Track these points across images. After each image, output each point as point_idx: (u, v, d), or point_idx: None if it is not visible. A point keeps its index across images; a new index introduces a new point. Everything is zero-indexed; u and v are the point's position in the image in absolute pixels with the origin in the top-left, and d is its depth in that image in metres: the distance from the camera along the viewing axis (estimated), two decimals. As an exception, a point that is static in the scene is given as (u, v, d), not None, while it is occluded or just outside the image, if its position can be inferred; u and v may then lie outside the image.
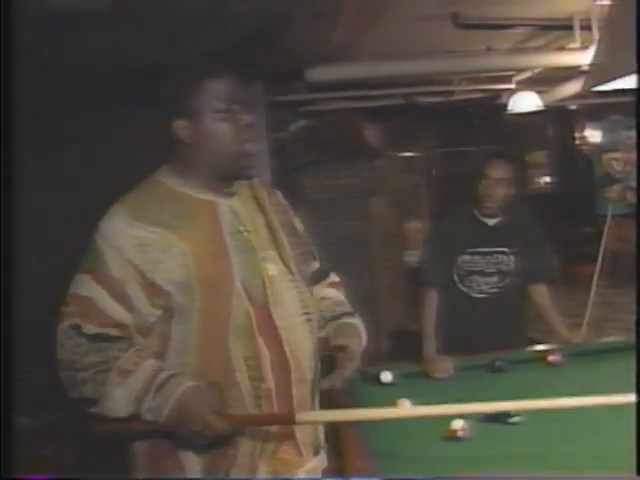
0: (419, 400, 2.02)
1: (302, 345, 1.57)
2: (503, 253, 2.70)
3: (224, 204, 1.58)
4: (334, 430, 1.85)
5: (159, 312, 1.48)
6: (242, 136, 1.55)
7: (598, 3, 4.27)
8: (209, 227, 1.53)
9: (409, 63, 5.18)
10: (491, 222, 2.72)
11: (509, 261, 2.70)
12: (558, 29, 4.94)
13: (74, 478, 1.43)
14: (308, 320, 1.60)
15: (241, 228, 1.56)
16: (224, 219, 1.56)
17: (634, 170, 7.36)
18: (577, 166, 8.35)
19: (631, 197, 7.24)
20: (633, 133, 7.62)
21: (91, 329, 1.46)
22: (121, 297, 1.47)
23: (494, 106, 6.75)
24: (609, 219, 5.25)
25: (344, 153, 5.29)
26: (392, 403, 2.03)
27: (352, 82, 5.55)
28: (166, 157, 1.59)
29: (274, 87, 4.65)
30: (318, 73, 4.91)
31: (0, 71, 1.38)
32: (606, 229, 5.23)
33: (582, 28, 4.78)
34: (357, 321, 1.75)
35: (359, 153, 5.40)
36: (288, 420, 1.50)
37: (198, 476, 1.50)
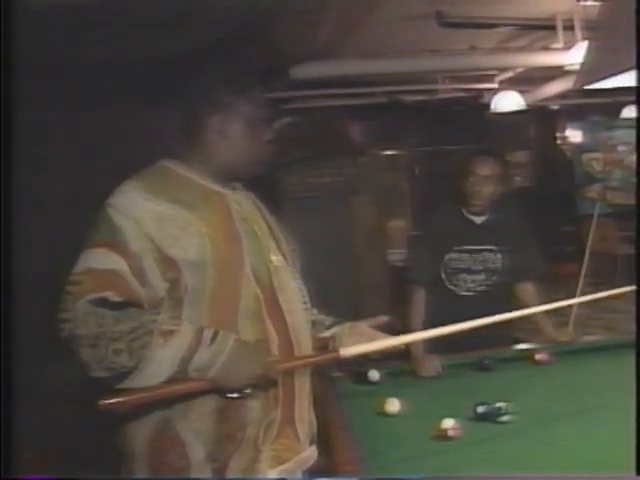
0: (407, 399, 2.04)
1: (303, 331, 1.63)
2: (490, 251, 2.69)
3: (230, 195, 1.63)
4: (325, 428, 1.84)
5: (167, 285, 1.48)
6: (262, 148, 1.63)
7: (581, 3, 4.29)
8: (222, 212, 1.59)
9: (393, 61, 5.17)
10: (479, 220, 2.71)
11: (496, 259, 2.70)
12: (541, 29, 4.96)
13: (74, 478, 1.39)
14: (307, 310, 1.68)
15: (246, 218, 1.63)
16: (233, 208, 1.61)
17: (614, 170, 7.45)
18: (558, 166, 8.40)
19: (611, 197, 7.32)
20: (613, 134, 7.71)
21: (118, 299, 1.42)
22: (137, 271, 1.46)
23: (477, 105, 6.76)
24: (595, 219, 5.29)
25: (328, 150, 5.27)
26: (381, 402, 2.03)
27: (335, 80, 5.54)
28: (180, 146, 1.63)
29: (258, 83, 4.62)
30: (302, 70, 4.89)
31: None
32: (592, 229, 5.28)
33: (565, 28, 4.82)
34: None
35: (343, 151, 5.38)
36: (334, 358, 1.61)
37: (203, 464, 1.49)
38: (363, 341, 1.68)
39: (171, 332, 1.41)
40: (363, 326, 1.74)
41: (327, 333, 1.75)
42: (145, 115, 3.99)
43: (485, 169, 2.63)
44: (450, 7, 4.64)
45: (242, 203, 1.64)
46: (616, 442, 1.61)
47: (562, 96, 6.56)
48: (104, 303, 1.41)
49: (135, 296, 1.45)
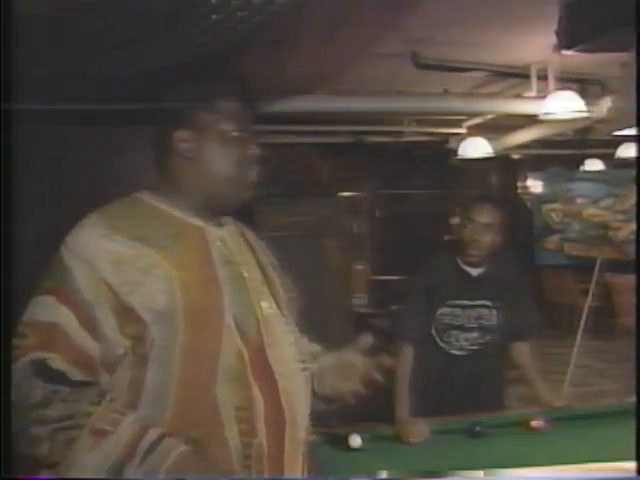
0: (392, 467, 1.84)
1: (298, 397, 1.36)
2: (485, 307, 2.49)
3: (213, 232, 1.38)
4: None
5: (128, 343, 1.24)
6: (246, 164, 1.38)
7: (560, 53, 4.27)
8: (198, 252, 1.33)
9: (363, 100, 5.07)
10: (475, 272, 2.50)
11: (491, 316, 2.50)
12: (515, 77, 4.99)
13: (74, 478, 1.17)
14: (304, 370, 1.40)
15: (232, 260, 1.37)
16: (214, 247, 1.36)
17: (572, 222, 7.53)
18: (518, 215, 8.44)
19: (568, 249, 7.37)
20: (572, 186, 7.82)
21: (57, 363, 1.19)
22: (89, 323, 1.22)
23: (442, 150, 6.74)
24: (596, 271, 5.16)
25: (297, 189, 5.08)
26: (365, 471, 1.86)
27: (302, 116, 5.41)
28: (154, 172, 1.40)
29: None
30: (271, 104, 4.72)
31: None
32: (592, 284, 5.13)
33: (539, 78, 4.84)
34: None
35: (312, 190, 5.20)
36: None
37: None
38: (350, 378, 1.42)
39: (104, 433, 1.16)
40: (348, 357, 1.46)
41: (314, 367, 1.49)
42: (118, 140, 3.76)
43: (485, 216, 2.44)
44: (426, 48, 4.60)
45: (228, 241, 1.39)
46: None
47: (526, 146, 6.60)
48: (41, 369, 1.19)
49: (80, 357, 1.21)
